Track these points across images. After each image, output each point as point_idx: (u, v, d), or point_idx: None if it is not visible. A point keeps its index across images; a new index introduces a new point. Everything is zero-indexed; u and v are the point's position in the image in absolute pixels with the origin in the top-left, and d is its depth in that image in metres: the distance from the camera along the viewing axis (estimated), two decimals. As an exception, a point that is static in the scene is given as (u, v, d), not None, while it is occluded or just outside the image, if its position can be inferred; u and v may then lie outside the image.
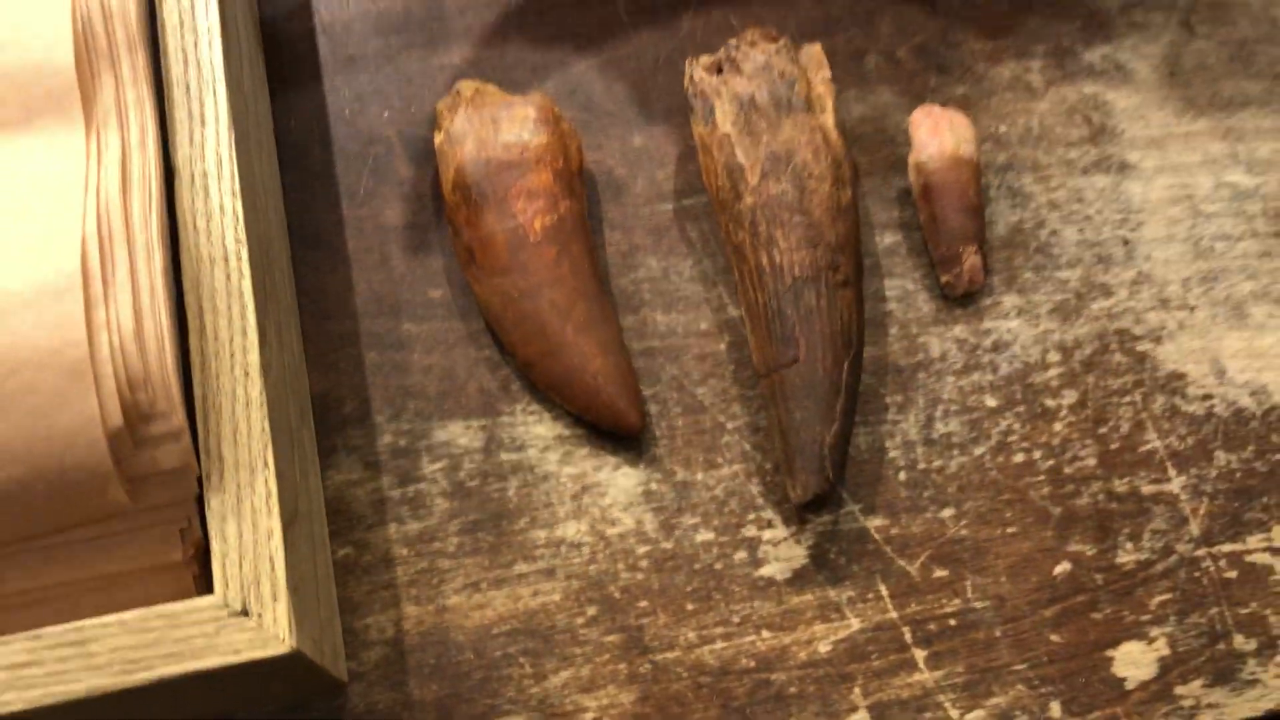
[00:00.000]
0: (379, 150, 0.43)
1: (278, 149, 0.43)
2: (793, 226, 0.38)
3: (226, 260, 0.33)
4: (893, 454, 0.39)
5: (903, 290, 0.41)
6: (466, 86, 0.41)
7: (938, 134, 0.41)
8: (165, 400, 0.30)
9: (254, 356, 0.32)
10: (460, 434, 0.39)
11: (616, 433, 0.39)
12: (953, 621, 0.37)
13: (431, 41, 0.45)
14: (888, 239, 0.42)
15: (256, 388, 0.32)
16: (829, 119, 0.40)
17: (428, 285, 0.41)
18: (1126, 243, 0.42)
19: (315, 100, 0.43)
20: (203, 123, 0.35)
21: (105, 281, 0.30)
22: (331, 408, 0.39)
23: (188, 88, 0.35)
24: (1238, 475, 0.39)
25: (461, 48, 0.44)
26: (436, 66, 0.44)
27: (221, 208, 0.34)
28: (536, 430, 0.39)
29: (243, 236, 0.34)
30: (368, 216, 0.42)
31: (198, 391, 0.32)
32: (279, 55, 0.44)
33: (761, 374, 0.38)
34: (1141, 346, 0.41)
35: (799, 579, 0.37)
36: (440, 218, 0.42)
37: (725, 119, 0.39)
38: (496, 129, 0.40)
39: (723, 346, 0.40)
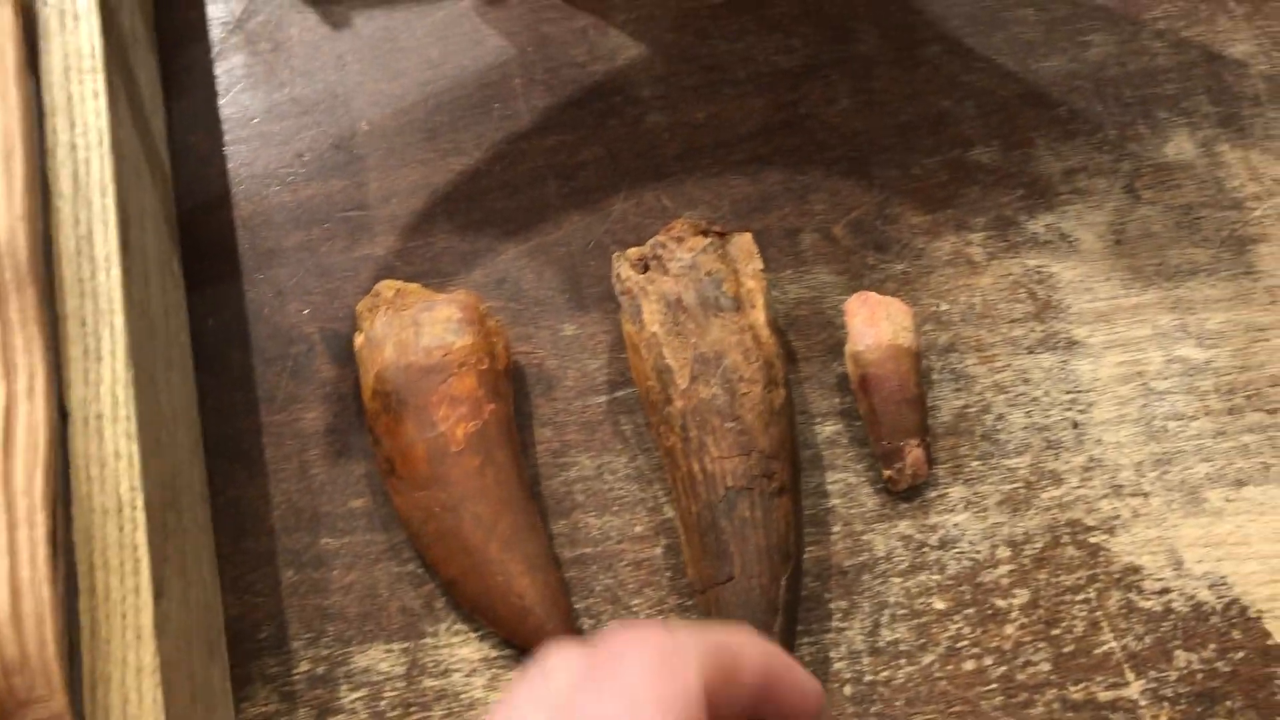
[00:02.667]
0: (299, 350, 0.41)
1: (195, 349, 0.41)
2: (724, 433, 0.36)
3: (120, 510, 0.32)
4: (838, 665, 0.37)
5: (845, 484, 0.40)
6: (387, 287, 0.40)
7: (874, 323, 0.39)
8: (45, 684, 0.28)
9: (147, 617, 0.31)
10: (381, 659, 0.37)
11: (546, 655, 0.37)
12: None
13: (354, 232, 0.43)
14: (828, 429, 0.40)
15: (149, 652, 0.30)
16: (760, 316, 0.38)
17: (349, 495, 0.39)
18: (1076, 425, 0.40)
19: (234, 297, 0.42)
20: (99, 359, 0.33)
21: (-19, 556, 0.29)
22: (247, 633, 0.37)
23: (83, 321, 0.34)
24: (1199, 677, 0.37)
25: (386, 237, 0.43)
26: (359, 258, 0.43)
27: (117, 453, 0.32)
28: (462, 653, 0.37)
29: (138, 484, 0.32)
30: (286, 423, 0.40)
31: (85, 659, 0.30)
32: (197, 250, 0.43)
33: (696, 589, 0.36)
34: (1095, 538, 0.39)
35: (741, 810, 0.35)
36: (363, 420, 0.40)
37: (653, 319, 0.38)
38: (418, 332, 0.38)
39: (659, 551, 0.39)
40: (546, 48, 0.46)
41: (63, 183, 0.35)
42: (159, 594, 0.31)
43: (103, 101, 0.36)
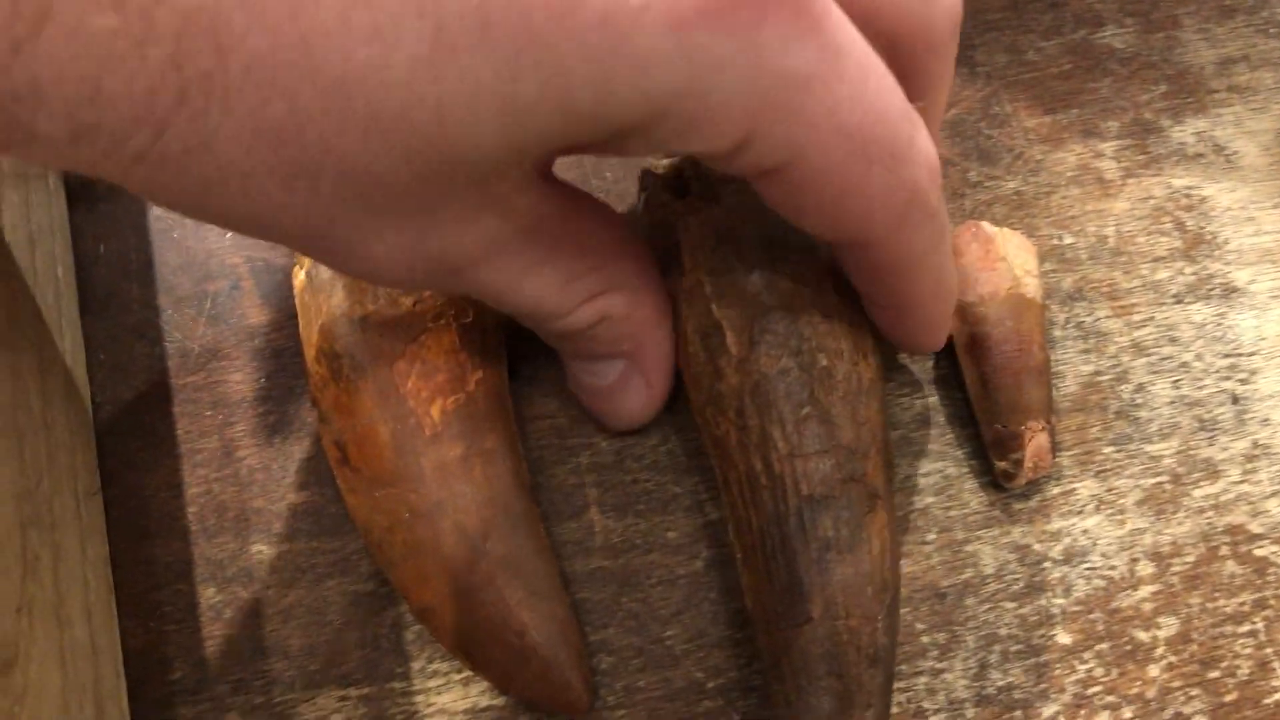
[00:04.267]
0: (221, 287, 0.31)
1: (80, 285, 0.31)
2: (798, 422, 0.27)
3: (-52, 544, 0.22)
4: (934, 719, 0.28)
5: (942, 478, 0.30)
6: (336, 206, 0.30)
7: (989, 265, 0.30)
8: None
9: (-12, 704, 0.21)
10: (334, 709, 0.28)
11: (553, 710, 0.28)
12: None
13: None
14: (918, 403, 0.31)
15: (-9, 756, 0.21)
16: None
17: (288, 486, 0.30)
18: (1236, 400, 0.31)
19: (134, 214, 0.32)
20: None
21: None
22: (154, 673, 0.28)
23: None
24: (1397, 736, 0.29)
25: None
26: (301, 162, 0.32)
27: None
28: (441, 701, 0.28)
29: (-26, 504, 0.22)
30: (204, 386, 0.30)
31: (-104, 772, 0.21)
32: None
33: (759, 629, 0.27)
34: (1262, 550, 0.30)
35: None
36: (308, 384, 0.30)
37: (696, 262, 0.28)
38: (378, 269, 0.28)
39: (700, 565, 0.29)
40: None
41: None
42: (10, 663, 0.22)
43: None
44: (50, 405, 0.27)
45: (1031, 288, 0.30)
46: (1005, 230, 0.30)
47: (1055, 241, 0.33)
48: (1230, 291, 0.32)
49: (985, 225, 0.30)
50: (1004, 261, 0.30)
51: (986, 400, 0.30)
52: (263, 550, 0.29)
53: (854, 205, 0.22)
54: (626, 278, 0.26)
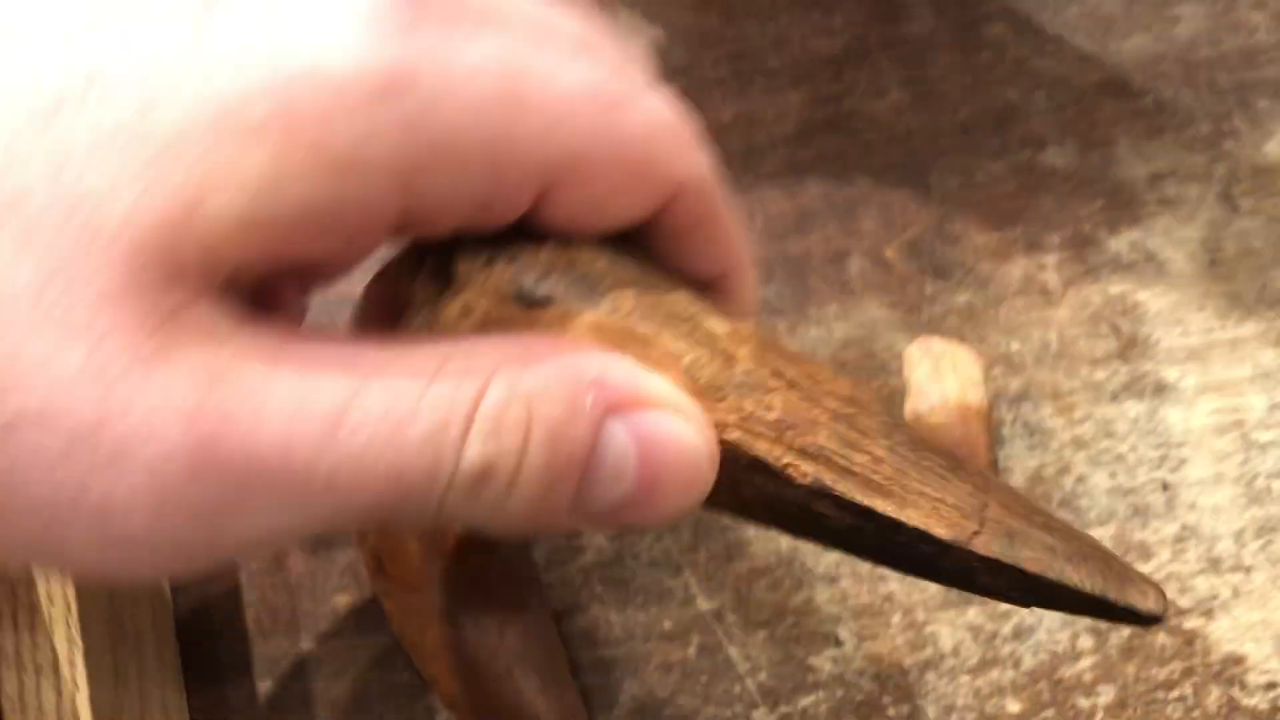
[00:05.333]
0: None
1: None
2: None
3: (57, 670, 0.26)
4: (899, 783, 0.32)
5: (903, 566, 0.34)
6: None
7: (938, 378, 0.34)
8: None
9: (93, 805, 0.26)
10: (378, 786, 0.32)
11: (566, 784, 0.32)
12: None
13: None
14: (883, 499, 0.35)
15: None
16: None
17: (332, 590, 0.34)
18: (1166, 488, 0.35)
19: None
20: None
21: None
22: (221, 759, 0.32)
23: None
24: (1312, 788, 0.32)
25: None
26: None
27: (49, 595, 0.27)
28: (470, 778, 0.32)
29: (76, 635, 0.27)
30: (257, 502, 0.35)
31: None
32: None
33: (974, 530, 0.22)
34: (1190, 623, 0.34)
35: None
36: (345, 496, 0.35)
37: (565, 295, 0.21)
38: (405, 400, 0.33)
39: (692, 652, 0.34)
40: (545, 32, 0.39)
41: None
42: (108, 766, 0.26)
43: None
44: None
45: (976, 397, 0.34)
46: (953, 345, 0.34)
47: (1004, 348, 0.37)
48: (1161, 388, 0.36)
49: (936, 341, 0.35)
50: (951, 374, 0.34)
51: (940, 498, 0.34)
52: (310, 648, 0.33)
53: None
54: (488, 348, 0.18)
